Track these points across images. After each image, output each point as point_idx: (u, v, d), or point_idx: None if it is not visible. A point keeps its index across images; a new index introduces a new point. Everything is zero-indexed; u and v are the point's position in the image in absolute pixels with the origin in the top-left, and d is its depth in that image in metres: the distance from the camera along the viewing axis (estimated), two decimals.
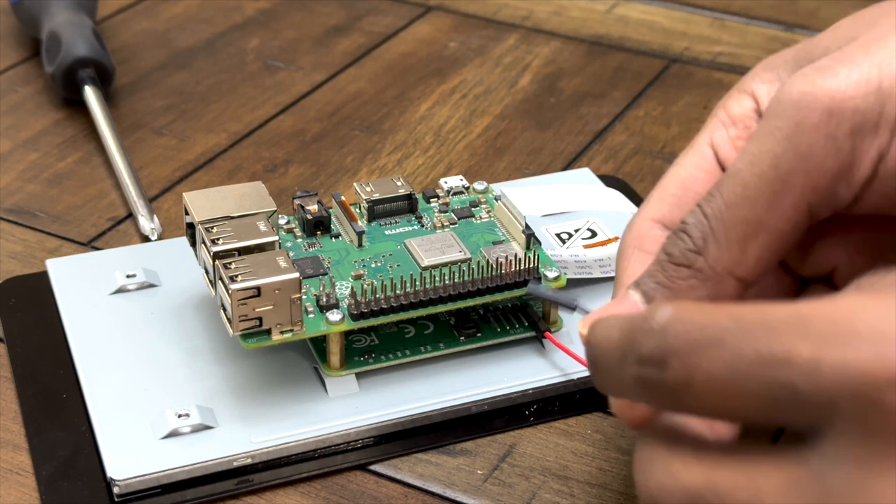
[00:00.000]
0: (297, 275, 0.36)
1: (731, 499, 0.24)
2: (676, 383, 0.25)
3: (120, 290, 0.42)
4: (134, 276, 0.42)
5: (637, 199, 0.43)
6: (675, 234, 0.31)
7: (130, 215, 0.48)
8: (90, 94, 0.53)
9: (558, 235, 0.44)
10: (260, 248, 0.37)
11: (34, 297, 0.43)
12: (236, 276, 0.35)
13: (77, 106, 0.55)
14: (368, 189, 0.41)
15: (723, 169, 0.33)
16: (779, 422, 0.24)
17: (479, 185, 0.43)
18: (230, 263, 0.36)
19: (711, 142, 0.33)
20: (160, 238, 0.46)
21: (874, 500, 0.22)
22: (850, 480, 0.23)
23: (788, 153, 0.29)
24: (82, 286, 0.42)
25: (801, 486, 0.23)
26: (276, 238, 0.37)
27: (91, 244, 0.47)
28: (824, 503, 0.23)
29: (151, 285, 0.42)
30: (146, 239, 0.46)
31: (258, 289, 0.35)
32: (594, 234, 0.44)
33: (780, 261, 0.31)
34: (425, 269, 0.39)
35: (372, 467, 0.36)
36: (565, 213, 0.45)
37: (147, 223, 0.47)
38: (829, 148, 0.29)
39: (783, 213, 0.29)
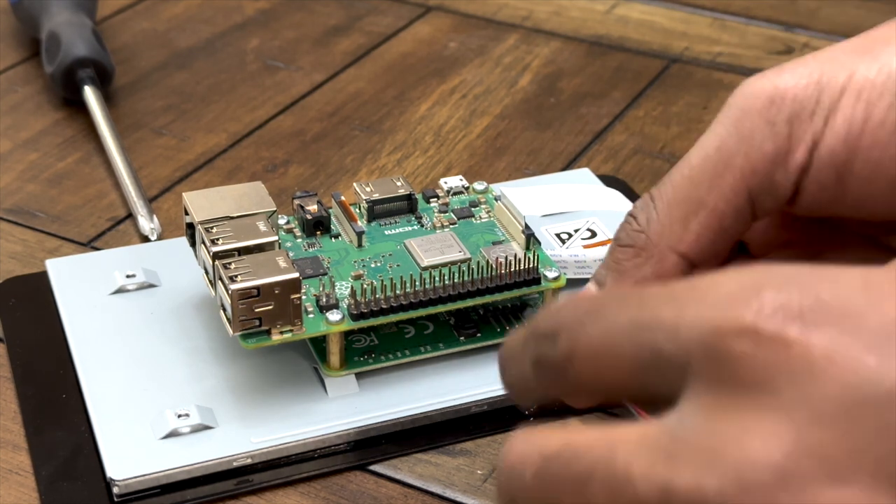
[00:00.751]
0: (296, 275, 0.36)
1: (585, 455, 0.25)
2: (563, 355, 0.26)
3: (120, 291, 0.42)
4: (134, 276, 0.42)
5: (637, 200, 0.43)
6: (624, 220, 0.33)
7: (130, 215, 0.48)
8: (90, 94, 0.53)
9: (558, 235, 0.44)
10: (259, 249, 0.37)
11: (34, 297, 0.43)
12: (236, 276, 0.35)
13: (77, 106, 0.55)
14: (368, 189, 0.41)
15: None
16: (649, 391, 0.25)
17: (479, 185, 0.43)
18: (230, 263, 0.36)
19: None
20: (160, 238, 0.46)
21: (720, 445, 0.23)
22: (699, 429, 0.23)
23: (732, 136, 0.31)
24: (82, 286, 0.42)
25: (653, 439, 0.24)
26: (275, 238, 0.37)
27: (91, 244, 0.46)
28: (674, 452, 0.24)
29: (151, 285, 0.42)
30: (146, 239, 0.46)
31: (258, 289, 0.35)
32: (594, 234, 0.44)
33: (727, 246, 0.32)
34: (425, 269, 0.39)
35: (371, 467, 0.36)
36: (565, 213, 0.45)
37: (147, 223, 0.47)
38: (768, 132, 0.31)
39: (723, 194, 0.31)
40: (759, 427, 0.23)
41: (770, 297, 0.24)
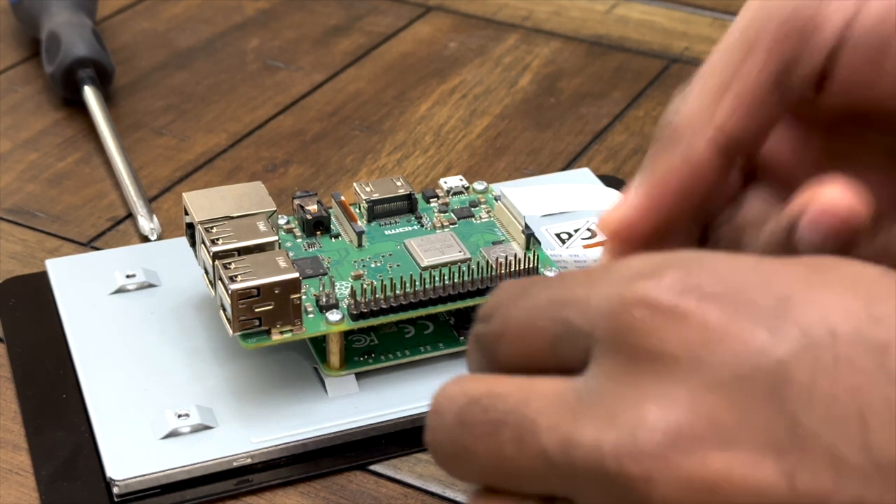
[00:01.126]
0: (296, 275, 0.36)
1: (502, 403, 0.26)
2: (494, 333, 0.28)
3: (120, 290, 0.42)
4: (134, 276, 0.42)
5: None
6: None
7: (130, 215, 0.48)
8: (90, 94, 0.53)
9: (558, 235, 0.44)
10: (260, 248, 0.37)
11: (34, 297, 0.43)
12: (236, 276, 0.35)
13: (77, 106, 0.55)
14: (368, 189, 0.41)
15: None
16: (564, 364, 0.26)
17: (479, 185, 0.43)
18: (230, 263, 0.36)
19: None
20: (160, 238, 0.46)
21: (619, 407, 0.25)
22: (601, 392, 0.25)
23: (759, 15, 0.31)
24: (82, 286, 0.42)
25: (562, 397, 0.26)
26: (275, 238, 0.37)
27: (91, 244, 0.46)
28: (578, 411, 0.25)
29: (151, 285, 0.42)
30: (146, 239, 0.46)
31: (258, 289, 0.35)
32: (594, 234, 0.44)
33: (761, 132, 0.31)
34: (425, 269, 0.39)
35: (371, 467, 0.36)
36: (565, 213, 0.45)
37: (147, 223, 0.47)
38: (794, 7, 0.30)
39: (752, 70, 0.31)
40: (655, 391, 0.24)
41: (670, 273, 0.25)
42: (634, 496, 0.24)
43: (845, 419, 0.23)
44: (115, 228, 0.47)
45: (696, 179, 0.31)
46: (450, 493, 0.35)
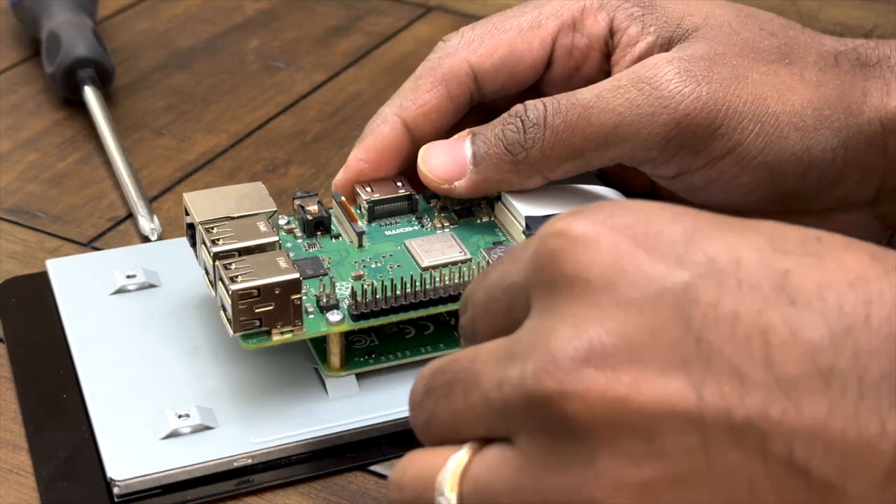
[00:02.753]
0: (297, 275, 0.36)
1: (454, 365, 0.29)
2: (469, 318, 0.30)
3: (120, 291, 0.42)
4: (134, 276, 0.42)
5: (631, 197, 0.43)
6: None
7: (130, 215, 0.48)
8: (90, 95, 0.53)
9: None
10: (260, 249, 0.37)
11: (34, 297, 0.43)
12: (236, 276, 0.35)
13: (77, 106, 0.55)
14: (368, 189, 0.41)
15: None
16: (518, 317, 0.28)
17: None
18: (230, 264, 0.36)
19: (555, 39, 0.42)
20: (160, 238, 0.46)
21: (541, 335, 0.26)
22: (531, 330, 0.27)
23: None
24: (82, 286, 0.42)
25: (501, 347, 0.28)
26: (276, 238, 0.37)
27: (91, 244, 0.46)
28: (511, 353, 0.27)
29: (151, 285, 0.42)
30: (146, 239, 0.46)
31: (258, 289, 0.35)
32: None
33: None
34: (425, 269, 0.39)
35: (372, 468, 0.36)
36: (560, 212, 0.44)
37: (147, 223, 0.47)
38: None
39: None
40: (569, 313, 0.26)
41: (585, 211, 0.27)
42: (552, 413, 0.25)
43: (748, 337, 0.25)
44: (116, 228, 0.47)
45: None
46: None
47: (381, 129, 0.41)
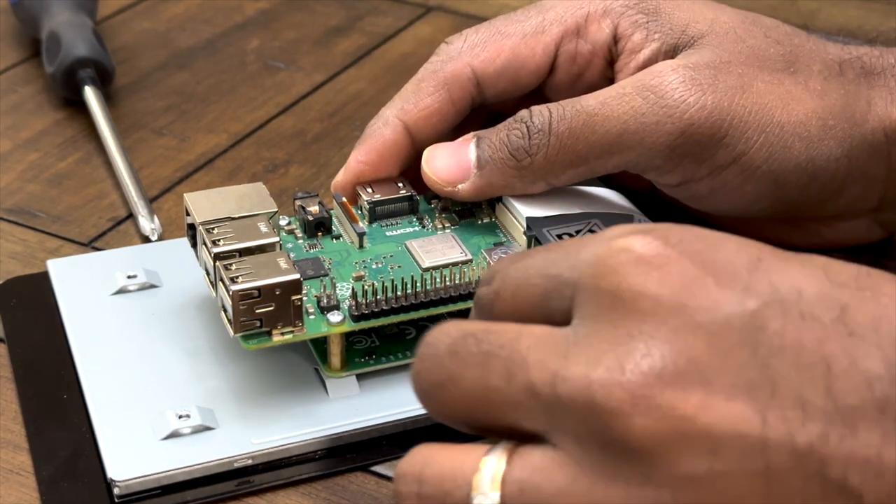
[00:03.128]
0: (297, 276, 0.36)
1: (495, 337, 0.28)
2: (492, 292, 0.30)
3: (121, 291, 0.42)
4: (135, 276, 0.42)
5: (637, 200, 0.43)
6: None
7: (131, 216, 0.48)
8: (90, 95, 0.53)
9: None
10: (261, 250, 0.37)
11: (35, 297, 0.43)
12: (237, 277, 0.35)
13: (77, 106, 0.55)
14: (369, 190, 0.41)
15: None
16: (553, 316, 0.29)
17: None
18: (231, 264, 0.36)
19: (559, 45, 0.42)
20: (160, 238, 0.46)
21: (606, 346, 0.26)
22: (587, 332, 0.27)
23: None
24: (83, 287, 0.42)
25: (552, 338, 0.28)
26: (276, 239, 0.37)
27: (91, 244, 0.46)
28: (566, 351, 0.27)
29: (152, 286, 0.42)
30: (146, 239, 0.46)
31: (259, 290, 0.35)
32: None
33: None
34: (426, 270, 0.39)
35: (373, 468, 0.36)
36: (565, 214, 0.45)
37: (147, 223, 0.47)
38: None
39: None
40: (638, 330, 0.26)
41: (654, 232, 0.28)
42: (616, 425, 0.26)
43: (811, 366, 0.25)
44: (116, 229, 0.47)
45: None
46: None
47: (382, 132, 0.41)
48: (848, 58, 0.40)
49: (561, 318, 0.28)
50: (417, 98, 0.41)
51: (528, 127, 0.39)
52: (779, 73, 0.39)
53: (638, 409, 0.25)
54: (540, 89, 0.43)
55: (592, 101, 0.39)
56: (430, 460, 0.29)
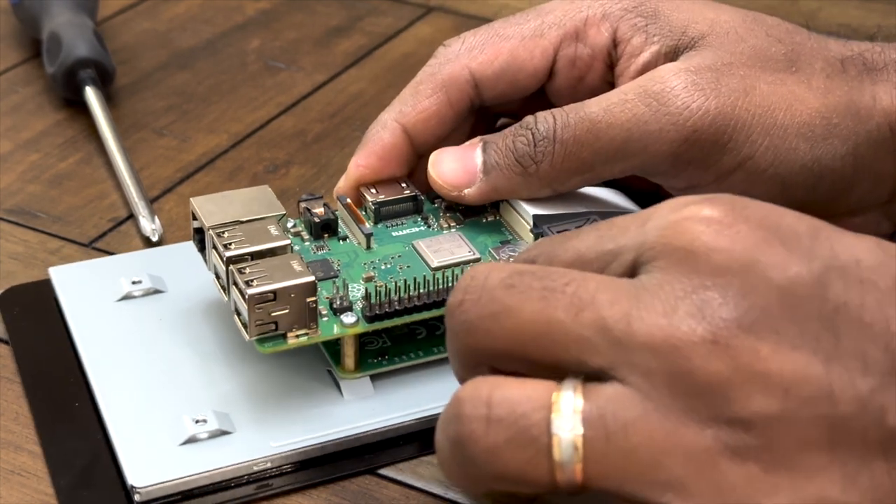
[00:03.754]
0: (312, 278, 0.36)
1: (559, 275, 0.29)
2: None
3: (126, 297, 0.42)
4: (139, 282, 0.42)
5: (636, 198, 0.43)
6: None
7: (131, 216, 0.48)
8: (91, 95, 0.53)
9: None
10: (272, 252, 0.37)
11: (38, 305, 0.42)
12: (251, 280, 0.35)
13: (78, 106, 0.54)
14: (374, 191, 0.41)
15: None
16: (614, 271, 0.30)
17: None
18: (244, 268, 0.36)
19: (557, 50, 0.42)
20: (161, 239, 0.46)
21: (679, 292, 0.28)
22: (660, 282, 0.28)
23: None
24: (87, 293, 0.42)
25: (618, 282, 0.29)
26: (288, 242, 0.37)
27: (92, 245, 0.46)
28: (638, 296, 0.28)
29: (157, 291, 0.42)
30: (147, 240, 0.46)
31: (274, 293, 0.35)
32: None
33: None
34: (436, 269, 0.39)
35: (389, 468, 0.36)
36: (572, 212, 0.45)
37: (148, 224, 0.46)
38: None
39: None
40: (714, 281, 0.28)
41: (720, 201, 0.29)
42: (693, 367, 0.27)
43: (871, 324, 0.27)
44: (117, 229, 0.47)
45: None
46: (451, 495, 0.35)
47: (381, 135, 0.41)
48: (850, 54, 0.40)
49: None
50: (415, 101, 0.42)
51: (533, 134, 0.39)
52: (781, 72, 0.39)
53: (715, 351, 0.27)
54: (543, 93, 0.43)
55: (596, 108, 0.39)
56: (499, 386, 0.29)
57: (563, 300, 0.28)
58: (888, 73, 0.40)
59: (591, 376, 0.28)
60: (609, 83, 0.42)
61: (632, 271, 0.29)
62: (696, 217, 0.29)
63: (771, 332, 0.27)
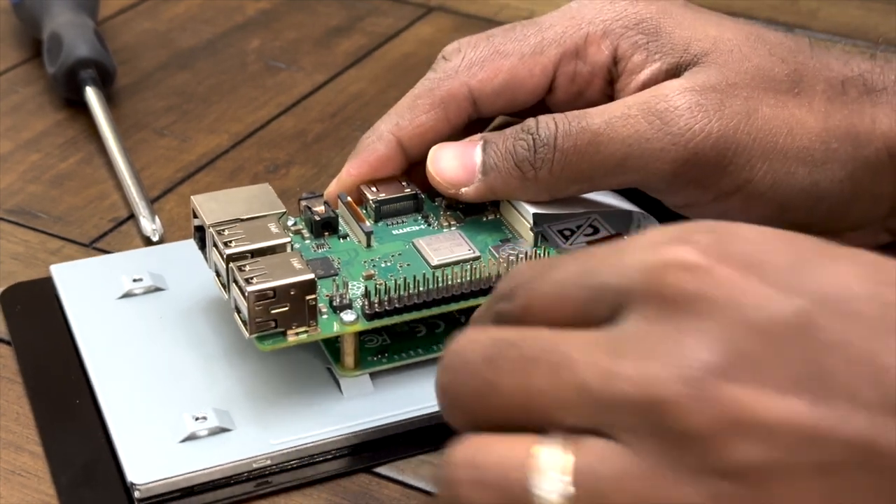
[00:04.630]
0: (312, 276, 0.36)
1: (535, 342, 0.28)
2: (520, 308, 0.30)
3: (127, 295, 0.42)
4: (140, 280, 0.42)
5: (636, 198, 0.43)
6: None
7: (132, 216, 0.48)
8: (91, 95, 0.53)
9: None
10: (272, 250, 0.37)
11: (39, 303, 0.42)
12: (252, 278, 0.35)
13: (78, 106, 0.54)
14: (374, 189, 0.42)
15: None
16: (593, 315, 0.29)
17: None
18: (245, 266, 0.36)
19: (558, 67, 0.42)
20: (161, 239, 0.46)
21: (661, 343, 0.27)
22: (637, 332, 0.27)
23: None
24: (88, 291, 0.42)
25: (595, 338, 0.28)
26: (288, 240, 0.37)
27: (93, 245, 0.46)
28: (616, 349, 0.27)
29: (158, 289, 0.42)
30: (148, 240, 0.46)
31: (274, 290, 0.35)
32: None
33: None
34: (436, 267, 0.39)
35: (390, 465, 0.36)
36: (566, 212, 0.45)
37: (149, 224, 0.47)
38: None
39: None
40: (693, 328, 0.27)
41: (701, 237, 0.28)
42: (674, 419, 0.26)
43: (859, 361, 0.26)
44: (118, 229, 0.47)
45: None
46: None
47: (376, 146, 0.42)
48: (851, 75, 0.40)
49: (599, 324, 0.28)
50: (413, 115, 0.42)
51: (533, 139, 0.39)
52: (783, 94, 0.39)
53: (694, 400, 0.26)
54: (542, 102, 0.43)
55: (598, 120, 0.39)
56: (487, 447, 0.28)
57: (541, 368, 0.28)
58: (888, 95, 0.39)
59: (577, 430, 0.28)
60: (609, 97, 0.42)
61: (612, 311, 0.29)
62: (675, 263, 0.28)
63: (752, 377, 0.26)
